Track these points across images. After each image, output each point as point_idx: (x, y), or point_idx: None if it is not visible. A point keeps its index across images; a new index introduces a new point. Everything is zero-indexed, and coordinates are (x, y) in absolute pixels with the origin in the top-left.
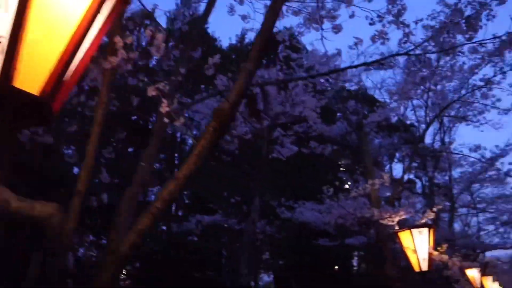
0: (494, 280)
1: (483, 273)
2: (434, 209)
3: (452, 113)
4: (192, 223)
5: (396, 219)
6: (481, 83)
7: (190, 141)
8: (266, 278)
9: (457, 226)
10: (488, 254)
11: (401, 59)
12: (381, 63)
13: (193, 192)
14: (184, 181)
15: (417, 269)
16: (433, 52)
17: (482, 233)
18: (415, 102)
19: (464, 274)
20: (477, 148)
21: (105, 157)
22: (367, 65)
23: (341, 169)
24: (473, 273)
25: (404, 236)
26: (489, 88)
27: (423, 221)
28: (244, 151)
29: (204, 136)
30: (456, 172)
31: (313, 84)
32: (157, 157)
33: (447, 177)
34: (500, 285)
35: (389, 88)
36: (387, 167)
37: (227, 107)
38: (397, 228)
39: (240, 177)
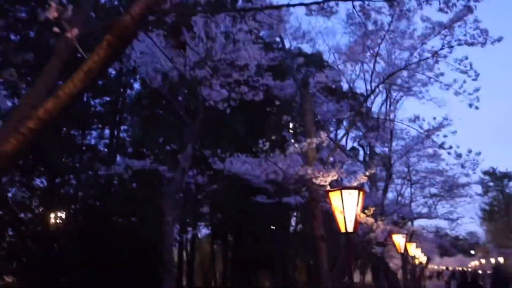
0: (417, 246)
1: (408, 240)
2: (367, 173)
3: (399, 82)
4: (121, 167)
5: (328, 179)
6: (429, 55)
7: (137, 85)
8: (205, 231)
9: (391, 195)
10: (416, 223)
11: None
12: (321, 6)
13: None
14: (66, 100)
15: (343, 229)
16: (378, 0)
17: (413, 203)
18: (364, 68)
19: (391, 239)
20: (416, 118)
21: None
22: (304, 5)
23: (290, 130)
24: (399, 239)
25: (334, 196)
26: (435, 61)
27: (355, 184)
28: (183, 96)
29: (97, 51)
30: (396, 145)
31: (263, 40)
32: (58, 79)
33: (387, 148)
34: (421, 252)
35: (340, 50)
36: (333, 133)
37: (128, 20)
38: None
39: (178, 124)
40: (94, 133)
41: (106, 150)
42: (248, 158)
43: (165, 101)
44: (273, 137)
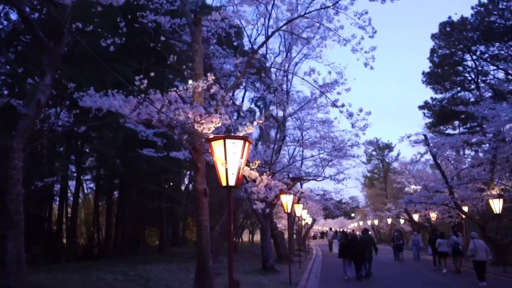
0: (304, 208)
1: (296, 201)
2: (255, 123)
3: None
4: None
5: (211, 126)
6: (330, 4)
7: (14, 16)
8: (91, 185)
9: (284, 158)
10: (305, 186)
11: None
12: None
13: None
14: None
15: (224, 183)
16: None
17: (303, 165)
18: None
19: (280, 200)
20: (311, 71)
21: None
22: None
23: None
24: (286, 199)
25: (217, 146)
26: (336, 12)
27: (242, 134)
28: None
29: None
30: (292, 109)
31: None
32: None
33: (281, 112)
34: (308, 213)
35: None
36: (231, 93)
37: None
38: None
39: (40, 51)
40: None
41: None
42: (119, 95)
43: (27, 24)
44: (152, 74)
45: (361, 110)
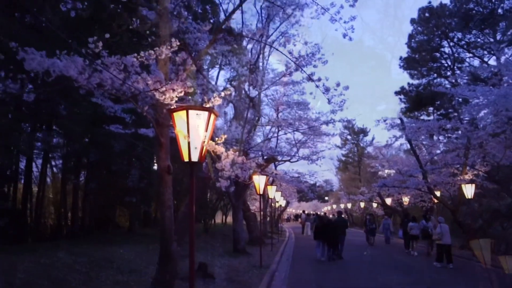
0: (276, 190)
1: (270, 183)
2: (222, 94)
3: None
4: None
5: (173, 95)
6: None
7: None
8: (59, 163)
9: (259, 139)
10: (279, 168)
11: None
12: None
13: None
14: None
15: (186, 158)
16: None
17: (278, 148)
18: None
19: (252, 180)
20: (286, 42)
21: None
22: None
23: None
24: (259, 180)
25: (179, 118)
26: None
27: (208, 105)
28: None
29: None
30: (266, 84)
31: None
32: None
33: (257, 92)
34: (281, 196)
35: None
36: (206, 72)
37: None
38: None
39: None
40: None
41: None
42: (70, 58)
43: None
44: (107, 36)
45: (338, 85)
